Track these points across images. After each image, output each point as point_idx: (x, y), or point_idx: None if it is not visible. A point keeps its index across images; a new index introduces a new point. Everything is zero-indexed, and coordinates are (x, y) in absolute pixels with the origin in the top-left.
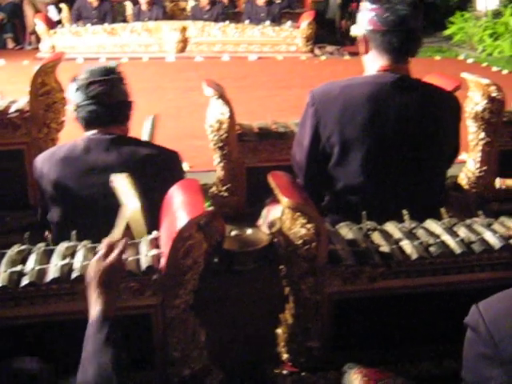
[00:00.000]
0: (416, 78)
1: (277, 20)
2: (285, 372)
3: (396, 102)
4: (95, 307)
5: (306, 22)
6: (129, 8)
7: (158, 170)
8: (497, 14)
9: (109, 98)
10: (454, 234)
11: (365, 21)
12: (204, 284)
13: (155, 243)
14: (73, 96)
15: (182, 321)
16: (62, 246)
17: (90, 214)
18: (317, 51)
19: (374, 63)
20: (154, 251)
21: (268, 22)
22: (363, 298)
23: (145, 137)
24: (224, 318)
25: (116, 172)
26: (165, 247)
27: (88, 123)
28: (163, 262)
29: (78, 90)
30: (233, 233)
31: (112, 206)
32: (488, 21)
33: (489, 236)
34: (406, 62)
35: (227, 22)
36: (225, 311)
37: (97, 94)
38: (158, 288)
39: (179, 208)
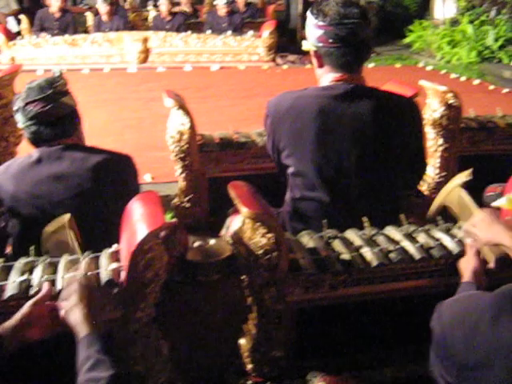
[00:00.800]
0: (371, 85)
1: (238, 30)
2: (249, 382)
3: (350, 112)
4: (82, 325)
5: (267, 31)
6: (90, 19)
7: (111, 175)
8: (454, 22)
9: (48, 116)
10: (413, 240)
11: (314, 37)
12: (167, 296)
13: (115, 256)
14: (16, 117)
15: (144, 334)
16: (20, 262)
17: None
18: (279, 60)
19: (327, 76)
20: (114, 265)
21: (230, 32)
22: (325, 305)
23: None
24: (188, 330)
25: (69, 180)
26: (125, 260)
27: (34, 143)
28: (124, 275)
29: (17, 111)
30: (196, 244)
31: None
32: (446, 29)
33: (447, 241)
34: (359, 72)
35: (189, 32)
36: (188, 323)
37: (35, 114)
38: (118, 302)
39: (139, 220)
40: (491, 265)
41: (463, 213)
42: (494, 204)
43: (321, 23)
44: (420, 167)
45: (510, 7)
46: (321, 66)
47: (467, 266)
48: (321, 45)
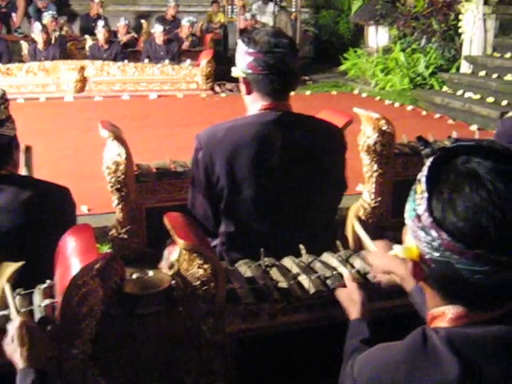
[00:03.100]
0: (300, 112)
1: (176, 58)
2: None
3: (280, 139)
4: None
5: (205, 60)
6: (25, 47)
7: (46, 209)
8: (387, 50)
9: None
10: (350, 266)
11: (244, 64)
12: (104, 331)
13: (49, 292)
14: None
15: (80, 372)
16: None
17: None
18: (217, 88)
19: (255, 103)
20: (48, 301)
21: (167, 61)
22: (265, 334)
23: (23, 172)
24: (126, 365)
25: (1, 214)
26: (59, 296)
27: None
28: (57, 311)
29: None
30: (134, 275)
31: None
32: (379, 57)
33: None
34: (286, 99)
35: (126, 60)
36: (127, 357)
37: None
38: (53, 339)
39: (72, 255)
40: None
41: (358, 243)
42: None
43: (251, 50)
44: (342, 193)
45: (440, 36)
46: (249, 92)
47: (350, 300)
48: (250, 71)
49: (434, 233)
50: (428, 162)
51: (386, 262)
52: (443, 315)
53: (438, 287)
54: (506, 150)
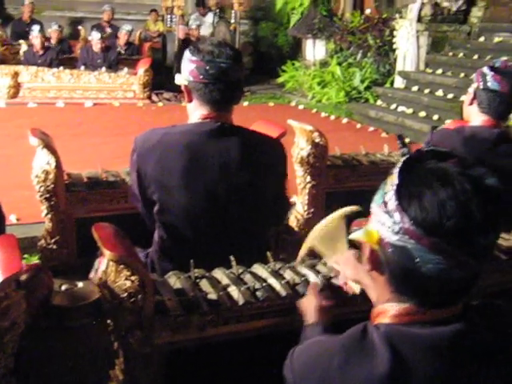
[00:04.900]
0: (239, 125)
1: (113, 66)
2: None
3: (215, 150)
4: None
5: (142, 68)
6: None
7: None
8: (324, 64)
9: None
10: (279, 277)
11: (187, 71)
12: (30, 344)
13: None
14: None
15: None
16: None
17: None
18: (154, 98)
19: (196, 112)
20: None
21: (104, 69)
22: (194, 347)
23: None
24: (53, 379)
25: None
26: None
27: None
28: None
29: None
30: (63, 287)
31: None
32: (316, 70)
33: (313, 277)
34: (227, 111)
35: (61, 67)
36: (53, 371)
37: None
38: None
39: None
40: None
41: (330, 248)
42: (351, 237)
43: (194, 58)
44: (283, 204)
45: (375, 51)
46: (190, 100)
47: (309, 306)
48: (191, 79)
49: (397, 216)
50: (403, 158)
51: (356, 270)
52: (386, 312)
53: (389, 275)
54: (476, 161)
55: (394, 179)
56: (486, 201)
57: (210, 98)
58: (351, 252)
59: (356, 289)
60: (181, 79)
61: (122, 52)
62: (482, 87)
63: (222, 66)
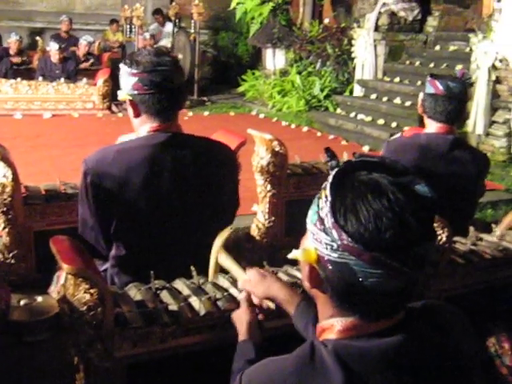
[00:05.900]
0: (187, 133)
1: (72, 77)
2: None
3: (170, 161)
4: None
5: (102, 79)
6: None
7: None
8: (284, 73)
9: None
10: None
11: (129, 85)
12: None
13: None
14: None
15: None
16: None
17: None
18: (114, 108)
19: (144, 125)
20: None
21: (63, 80)
22: (156, 359)
23: None
24: None
25: None
26: None
27: None
28: None
29: None
30: (21, 302)
31: None
32: (276, 79)
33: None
34: (175, 119)
35: (19, 78)
36: None
37: None
38: None
39: None
40: (260, 317)
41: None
42: (289, 256)
43: (135, 71)
44: (234, 211)
45: (334, 60)
46: (137, 115)
47: (241, 321)
48: (136, 92)
49: (334, 234)
50: (333, 172)
51: (266, 288)
52: (331, 327)
53: (331, 292)
54: (405, 168)
55: (327, 194)
56: (419, 209)
57: (159, 108)
58: (252, 272)
59: (271, 305)
60: (124, 95)
61: (87, 64)
62: (424, 94)
63: (166, 73)
